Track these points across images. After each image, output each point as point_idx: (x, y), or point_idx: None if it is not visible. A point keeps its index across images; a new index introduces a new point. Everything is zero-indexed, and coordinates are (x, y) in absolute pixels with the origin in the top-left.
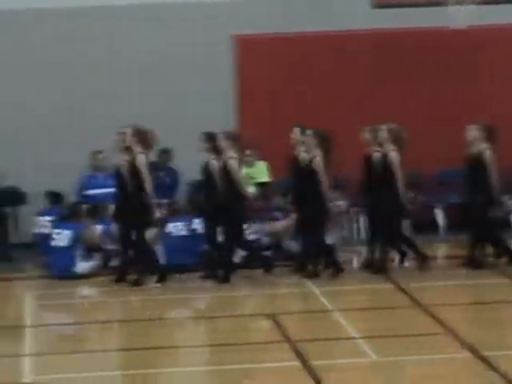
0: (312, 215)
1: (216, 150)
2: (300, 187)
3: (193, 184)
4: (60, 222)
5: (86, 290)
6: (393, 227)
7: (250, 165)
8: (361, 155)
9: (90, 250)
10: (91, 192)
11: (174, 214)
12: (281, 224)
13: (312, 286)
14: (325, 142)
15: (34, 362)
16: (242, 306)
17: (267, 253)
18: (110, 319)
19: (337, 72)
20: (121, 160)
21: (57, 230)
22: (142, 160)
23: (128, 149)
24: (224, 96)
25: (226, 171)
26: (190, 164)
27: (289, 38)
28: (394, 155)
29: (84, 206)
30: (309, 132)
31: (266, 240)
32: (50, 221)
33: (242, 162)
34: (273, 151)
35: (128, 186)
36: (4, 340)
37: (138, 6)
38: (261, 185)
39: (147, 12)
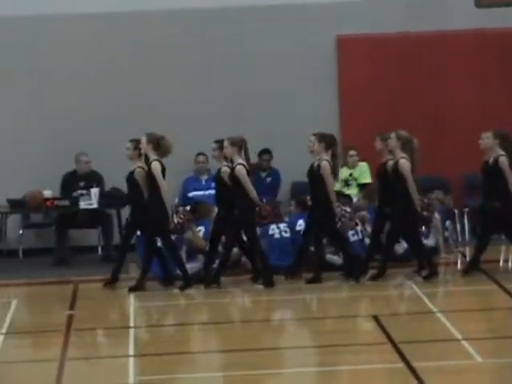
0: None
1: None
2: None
3: (296, 184)
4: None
5: (188, 292)
6: (411, 237)
7: (352, 166)
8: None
9: (193, 252)
10: (193, 194)
11: (277, 215)
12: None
13: (415, 288)
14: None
15: (137, 362)
16: (345, 308)
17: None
18: (214, 320)
19: (440, 72)
20: (134, 167)
21: None
22: (156, 167)
23: (140, 156)
24: (327, 96)
25: (235, 178)
26: (292, 164)
27: (391, 37)
28: (402, 162)
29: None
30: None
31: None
32: None
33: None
34: (374, 152)
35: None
36: (109, 341)
37: (247, 9)
38: (363, 186)
39: (253, 14)
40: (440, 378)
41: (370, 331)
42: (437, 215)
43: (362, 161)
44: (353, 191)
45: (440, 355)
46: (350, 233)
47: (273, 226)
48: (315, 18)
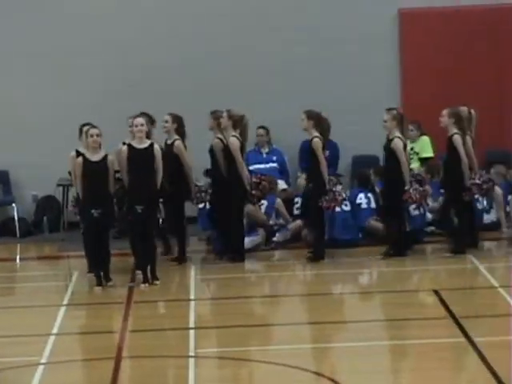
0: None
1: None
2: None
3: (357, 158)
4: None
5: (250, 265)
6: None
7: (413, 140)
8: None
9: (253, 225)
10: (255, 167)
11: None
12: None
13: (477, 262)
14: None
15: (198, 335)
16: (407, 282)
17: (432, 228)
18: (274, 293)
19: (504, 46)
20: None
21: None
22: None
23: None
24: (389, 70)
25: (227, 150)
26: (352, 138)
27: (453, 11)
28: (455, 138)
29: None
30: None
31: (429, 216)
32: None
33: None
34: (436, 126)
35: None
36: (169, 313)
37: None
38: (425, 160)
39: None
40: (501, 353)
41: (431, 305)
42: (499, 190)
43: (424, 134)
44: (414, 165)
45: (501, 330)
46: (412, 207)
47: (361, 195)
48: None
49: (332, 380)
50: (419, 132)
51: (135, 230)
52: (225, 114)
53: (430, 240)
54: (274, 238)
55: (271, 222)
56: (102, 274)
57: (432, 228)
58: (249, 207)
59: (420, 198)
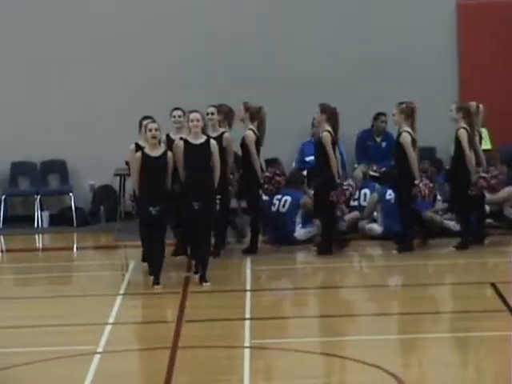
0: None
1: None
2: None
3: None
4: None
5: (304, 256)
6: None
7: None
8: None
9: (309, 217)
10: (310, 159)
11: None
12: (504, 192)
13: None
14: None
15: (253, 326)
16: (464, 274)
17: (490, 221)
18: (330, 285)
19: None
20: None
21: (277, 196)
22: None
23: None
24: (447, 62)
25: (243, 143)
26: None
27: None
28: (461, 133)
29: (303, 173)
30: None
31: (487, 208)
32: None
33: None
34: (495, 118)
35: None
36: (225, 304)
37: None
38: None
39: None
40: None
41: (489, 298)
42: None
43: (483, 126)
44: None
45: None
46: None
47: (389, 191)
48: None
49: (387, 372)
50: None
51: (191, 226)
52: (241, 107)
53: (488, 233)
54: None
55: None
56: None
57: (490, 221)
58: (305, 198)
59: (429, 194)
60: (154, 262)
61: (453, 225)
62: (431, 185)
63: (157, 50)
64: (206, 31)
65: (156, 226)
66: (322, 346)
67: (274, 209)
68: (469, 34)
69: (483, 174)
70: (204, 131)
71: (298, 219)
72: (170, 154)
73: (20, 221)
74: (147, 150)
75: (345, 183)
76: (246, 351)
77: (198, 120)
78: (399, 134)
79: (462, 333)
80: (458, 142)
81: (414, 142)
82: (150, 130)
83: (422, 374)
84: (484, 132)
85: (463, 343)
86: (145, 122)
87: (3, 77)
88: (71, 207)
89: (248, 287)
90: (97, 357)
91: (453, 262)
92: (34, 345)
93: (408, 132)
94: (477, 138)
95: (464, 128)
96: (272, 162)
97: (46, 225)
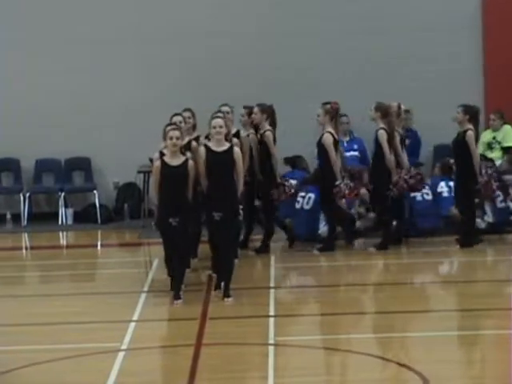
0: None
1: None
2: None
3: (438, 147)
4: (303, 186)
5: (329, 253)
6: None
7: (495, 129)
8: None
9: None
10: None
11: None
12: None
13: None
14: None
15: (277, 323)
16: (486, 272)
17: None
18: (354, 282)
19: None
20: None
21: (301, 193)
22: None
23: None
24: (472, 58)
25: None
26: (434, 127)
27: None
28: (380, 134)
29: None
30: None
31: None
32: None
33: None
34: None
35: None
36: (249, 301)
37: None
38: (507, 149)
39: None
40: None
41: (510, 296)
42: None
43: (506, 123)
44: (496, 154)
45: None
46: (499, 199)
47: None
48: None
49: (410, 368)
50: (502, 121)
51: (213, 238)
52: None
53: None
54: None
55: (352, 211)
56: (180, 285)
57: None
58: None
59: (349, 194)
60: (175, 276)
61: (479, 222)
62: (352, 184)
63: (182, 50)
64: (231, 32)
65: (177, 238)
66: (346, 343)
67: (298, 206)
68: (493, 29)
69: (403, 175)
70: (194, 129)
71: (322, 216)
72: (191, 162)
73: (44, 218)
74: (167, 159)
75: (287, 183)
76: (271, 348)
77: (220, 126)
78: (322, 135)
79: (483, 330)
80: (377, 142)
81: (336, 142)
82: (171, 139)
83: (446, 372)
84: (508, 129)
85: (485, 340)
86: (167, 129)
87: (30, 75)
88: (95, 204)
89: (272, 284)
90: (121, 354)
91: (476, 259)
92: (59, 342)
93: (330, 133)
94: (397, 139)
95: (383, 128)
96: (296, 159)
97: (70, 222)
